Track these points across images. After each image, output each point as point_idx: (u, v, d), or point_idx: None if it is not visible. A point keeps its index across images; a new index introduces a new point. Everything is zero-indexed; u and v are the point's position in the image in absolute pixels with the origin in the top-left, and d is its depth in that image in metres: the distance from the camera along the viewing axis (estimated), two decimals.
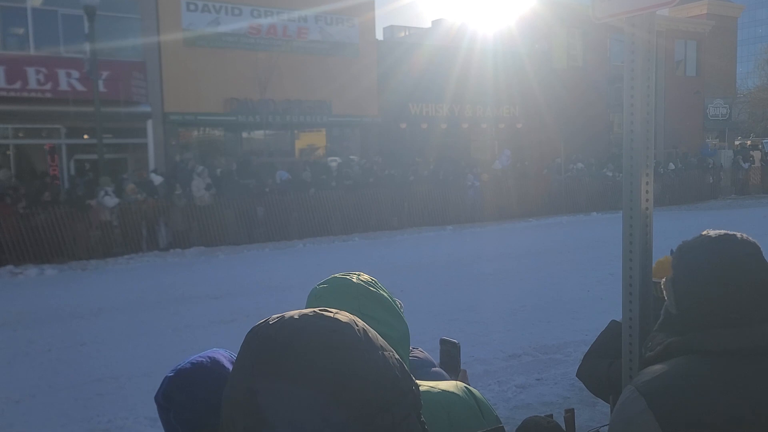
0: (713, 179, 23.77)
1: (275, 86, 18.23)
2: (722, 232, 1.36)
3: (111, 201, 13.19)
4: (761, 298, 1.28)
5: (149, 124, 16.92)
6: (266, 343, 0.81)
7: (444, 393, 1.20)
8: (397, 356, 0.85)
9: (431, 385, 1.22)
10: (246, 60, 18.00)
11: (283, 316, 0.85)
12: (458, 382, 1.27)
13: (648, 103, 1.90)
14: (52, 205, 12.69)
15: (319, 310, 0.85)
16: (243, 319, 7.77)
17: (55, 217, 12.51)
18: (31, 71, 15.07)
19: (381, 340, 0.85)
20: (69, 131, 16.14)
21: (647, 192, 1.92)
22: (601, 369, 2.15)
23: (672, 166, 22.83)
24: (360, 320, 0.86)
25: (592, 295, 8.42)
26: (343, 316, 0.85)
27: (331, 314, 0.84)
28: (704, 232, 1.39)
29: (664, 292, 1.44)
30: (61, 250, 12.44)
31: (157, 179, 14.67)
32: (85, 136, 16.28)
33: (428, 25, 28.15)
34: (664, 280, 1.45)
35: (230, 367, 1.33)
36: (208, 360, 1.33)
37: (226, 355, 1.38)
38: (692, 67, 28.48)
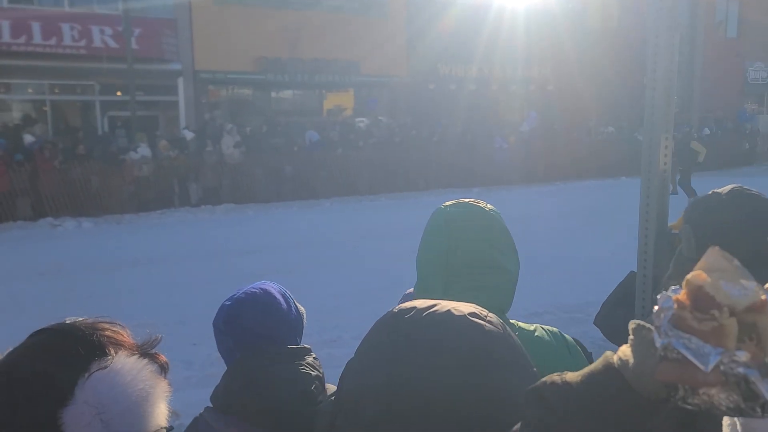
0: (749, 145, 23.17)
1: (304, 45, 18.18)
2: (744, 188, 1.42)
3: (144, 152, 13.52)
4: None
5: (180, 81, 17.09)
6: (413, 337, 0.78)
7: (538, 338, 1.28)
8: (534, 369, 0.82)
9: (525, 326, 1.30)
10: (275, 18, 17.94)
11: (434, 310, 0.81)
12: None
13: (671, 62, 1.94)
14: (87, 160, 13.05)
15: (470, 315, 0.81)
16: (273, 273, 8.01)
17: (90, 171, 12.88)
18: (65, 27, 15.27)
19: (526, 356, 0.83)
20: (102, 88, 16.40)
21: (665, 155, 1.98)
22: (619, 316, 2.25)
23: (707, 130, 22.30)
24: (511, 331, 0.83)
25: (617, 258, 8.41)
26: (496, 325, 0.82)
27: (484, 321, 0.81)
28: (720, 190, 1.47)
29: (683, 239, 1.51)
30: (96, 203, 12.84)
31: (189, 135, 14.92)
32: (118, 93, 16.54)
33: None
34: (682, 227, 1.52)
35: (280, 297, 1.48)
36: (261, 291, 1.48)
37: (275, 287, 1.52)
38: (733, 28, 27.46)
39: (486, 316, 0.82)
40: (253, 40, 17.75)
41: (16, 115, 16.05)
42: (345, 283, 7.48)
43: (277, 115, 18.53)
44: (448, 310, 0.81)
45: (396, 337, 0.79)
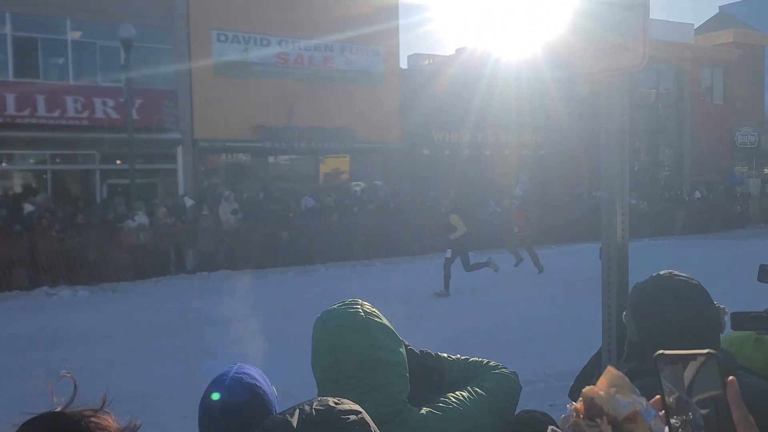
0: (741, 208, 23.49)
1: (301, 113, 18.71)
2: (668, 271, 1.57)
3: (142, 220, 13.67)
4: (705, 322, 1.48)
5: (179, 150, 17.48)
6: None
7: None
8: None
9: None
10: (273, 88, 18.54)
11: (287, 422, 0.90)
12: None
13: (621, 137, 2.08)
14: (85, 228, 13.19)
15: (332, 406, 0.92)
16: (266, 341, 8.00)
17: (87, 240, 12.99)
18: (69, 100, 15.77)
19: None
20: (103, 157, 16.76)
21: (623, 223, 2.10)
22: None
23: (698, 194, 22.65)
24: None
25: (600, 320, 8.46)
26: (359, 414, 0.93)
27: (346, 415, 0.91)
28: (656, 273, 1.61)
29: (626, 325, 1.63)
30: (93, 271, 12.89)
31: (189, 202, 15.13)
32: (118, 162, 16.88)
33: (452, 52, 28.58)
34: (624, 313, 1.65)
35: (263, 382, 1.58)
36: (246, 376, 1.56)
37: (257, 371, 1.61)
38: (719, 95, 28.32)
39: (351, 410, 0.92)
40: (251, 108, 18.27)
41: (16, 183, 16.33)
42: None
43: (274, 181, 18.85)
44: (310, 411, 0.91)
45: None
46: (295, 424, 0.88)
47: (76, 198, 15.79)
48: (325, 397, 0.95)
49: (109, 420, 0.94)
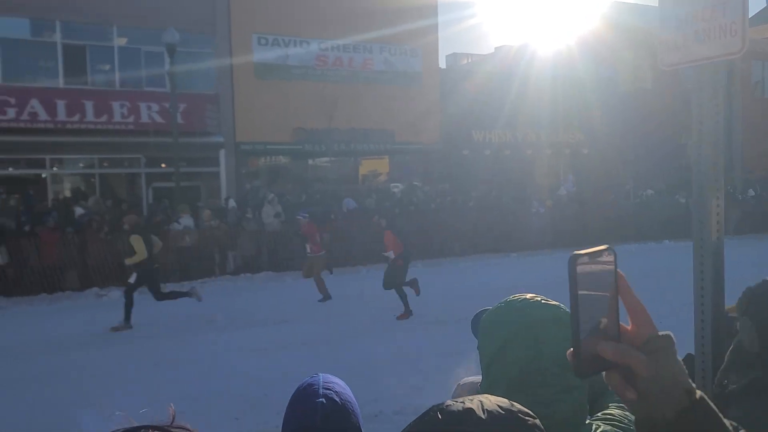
0: None
1: (340, 115, 18.74)
2: None
3: (187, 222, 13.88)
4: None
5: (222, 153, 17.69)
6: None
7: None
8: None
9: None
10: (313, 90, 18.62)
11: (471, 410, 0.83)
12: None
13: (717, 129, 1.94)
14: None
15: (517, 411, 0.84)
16: (311, 343, 7.99)
17: None
18: (116, 105, 16.12)
19: None
20: (148, 161, 17.09)
21: (718, 223, 1.96)
22: None
23: (752, 192, 21.85)
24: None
25: (665, 325, 8.14)
26: (535, 418, 0.85)
27: (525, 416, 0.84)
28: None
29: (741, 332, 1.49)
30: None
31: (232, 205, 15.30)
32: (163, 165, 17.18)
33: (491, 50, 28.28)
34: (739, 321, 1.50)
35: (349, 392, 1.52)
36: (337, 385, 1.52)
37: (342, 383, 1.55)
38: None
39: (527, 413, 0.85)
40: (291, 111, 18.38)
41: (67, 187, 16.78)
42: (383, 353, 7.38)
43: (314, 183, 18.92)
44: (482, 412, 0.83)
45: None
46: (482, 416, 0.82)
47: (122, 201, 16.13)
48: (491, 395, 0.88)
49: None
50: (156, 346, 8.17)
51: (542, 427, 0.85)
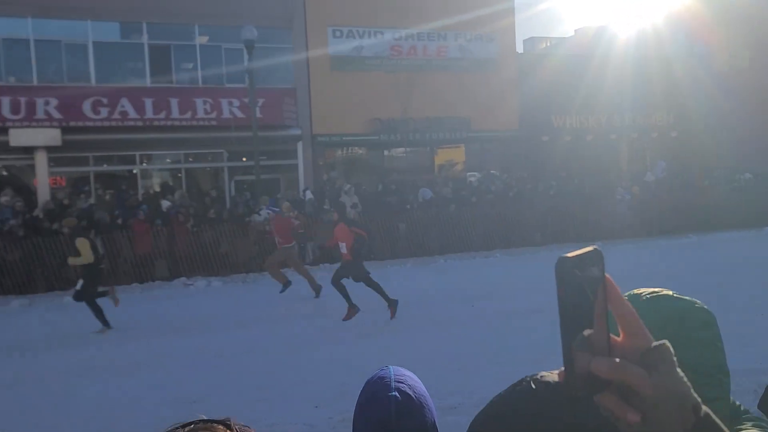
0: None
1: (415, 105, 18.63)
2: None
3: (267, 214, 14.24)
4: None
5: (299, 145, 18.02)
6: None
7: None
8: None
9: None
10: (387, 81, 18.61)
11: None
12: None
13: None
14: (216, 223, 13.95)
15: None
16: (388, 333, 7.99)
17: (219, 233, 13.72)
18: (199, 102, 16.73)
19: None
20: (230, 155, 17.65)
21: None
22: None
23: None
24: None
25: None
26: None
27: None
28: None
29: None
30: (224, 263, 13.60)
31: (309, 196, 15.57)
32: (244, 159, 17.70)
33: (570, 33, 27.28)
34: None
35: (422, 387, 1.44)
36: (409, 378, 1.45)
37: (413, 375, 1.48)
38: None
39: None
40: (367, 102, 18.45)
41: (155, 182, 17.60)
42: (462, 343, 7.26)
43: (390, 173, 18.93)
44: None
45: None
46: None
47: (206, 194, 16.75)
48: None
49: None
50: (244, 335, 8.39)
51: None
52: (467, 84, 19.35)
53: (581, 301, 0.61)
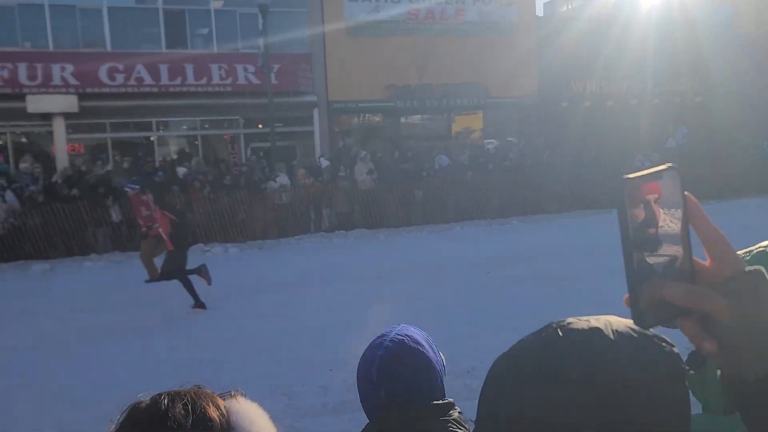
0: None
1: (432, 70, 18.36)
2: None
3: (283, 181, 14.27)
4: None
5: (315, 112, 17.91)
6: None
7: None
8: None
9: None
10: (404, 46, 18.32)
11: (597, 330, 0.74)
12: None
13: None
14: (233, 190, 13.98)
15: (652, 335, 0.75)
16: (403, 299, 8.00)
17: (235, 200, 13.77)
18: (214, 68, 16.63)
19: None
20: (246, 122, 17.60)
21: None
22: None
23: None
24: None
25: None
26: (673, 347, 0.74)
27: (668, 347, 0.74)
28: None
29: None
30: (241, 230, 13.68)
31: (324, 163, 15.53)
32: (260, 126, 17.64)
33: None
34: None
35: (426, 344, 1.40)
36: (409, 338, 1.41)
37: (419, 333, 1.45)
38: None
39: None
40: (383, 68, 18.21)
41: (172, 150, 17.65)
42: (478, 309, 7.26)
43: (406, 140, 18.79)
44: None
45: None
46: (610, 336, 0.72)
47: (222, 161, 16.78)
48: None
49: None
50: (261, 300, 8.47)
51: (680, 356, 0.73)
52: (486, 49, 19.00)
53: (649, 226, 0.56)
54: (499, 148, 18.10)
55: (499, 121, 20.40)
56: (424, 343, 1.41)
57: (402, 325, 1.48)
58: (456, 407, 1.37)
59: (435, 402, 1.35)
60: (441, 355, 1.46)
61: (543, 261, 9.70)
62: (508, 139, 19.01)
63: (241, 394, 0.76)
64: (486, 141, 19.51)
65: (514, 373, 0.74)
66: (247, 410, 0.72)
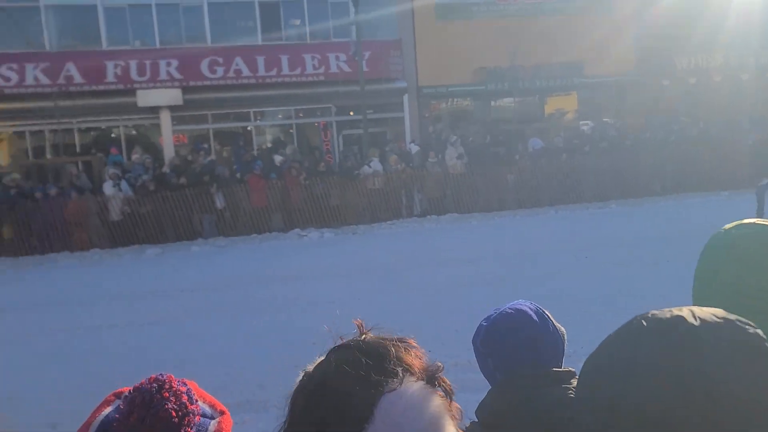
0: None
1: (524, 51, 17.90)
2: None
3: (376, 166, 14.50)
4: None
5: (405, 98, 17.98)
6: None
7: None
8: None
9: None
10: (495, 28, 17.97)
11: (681, 318, 0.76)
12: None
13: None
14: (327, 176, 14.38)
15: (735, 319, 0.77)
16: (498, 282, 7.97)
17: (330, 186, 14.15)
18: (308, 58, 17.07)
19: None
20: (338, 110, 17.96)
21: None
22: None
23: None
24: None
25: None
26: (757, 328, 0.75)
27: (751, 329, 0.76)
28: None
29: None
30: (336, 215, 14.06)
31: (414, 149, 15.60)
32: (351, 113, 17.95)
33: None
34: None
35: (535, 317, 1.45)
36: (515, 311, 1.49)
37: (531, 306, 1.51)
38: None
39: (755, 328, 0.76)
40: (473, 51, 17.96)
41: (269, 139, 18.33)
42: (569, 294, 7.10)
43: (497, 124, 18.49)
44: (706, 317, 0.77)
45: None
46: (694, 322, 0.75)
47: (316, 148, 17.24)
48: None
49: (413, 355, 0.89)
50: (354, 282, 8.71)
51: (766, 337, 0.75)
52: (579, 26, 18.28)
53: None
54: (595, 129, 17.45)
55: (595, 100, 19.63)
56: (534, 316, 1.47)
57: (518, 300, 1.54)
58: (577, 376, 1.40)
59: (553, 369, 1.40)
60: (560, 329, 1.50)
61: (642, 245, 9.32)
62: (604, 120, 18.27)
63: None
64: (581, 122, 18.85)
65: (605, 367, 0.77)
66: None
